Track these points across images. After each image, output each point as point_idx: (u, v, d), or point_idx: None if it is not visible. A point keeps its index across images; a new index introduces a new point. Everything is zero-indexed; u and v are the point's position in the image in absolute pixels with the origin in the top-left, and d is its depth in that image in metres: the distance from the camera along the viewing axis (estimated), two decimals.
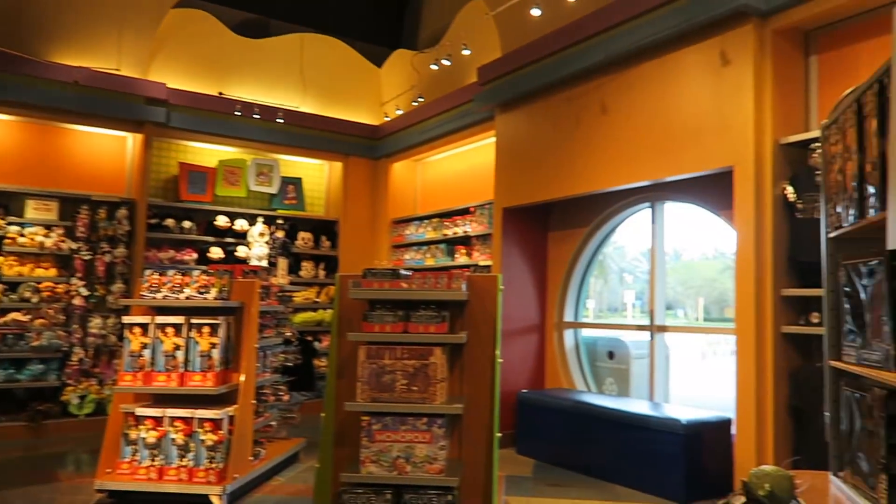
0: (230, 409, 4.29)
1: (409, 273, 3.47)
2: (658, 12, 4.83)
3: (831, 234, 1.89)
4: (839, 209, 1.84)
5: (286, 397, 5.61)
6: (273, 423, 5.46)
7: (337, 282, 3.74)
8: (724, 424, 4.62)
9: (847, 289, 1.79)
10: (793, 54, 4.48)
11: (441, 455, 3.17)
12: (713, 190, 5.01)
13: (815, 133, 4.20)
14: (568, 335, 6.46)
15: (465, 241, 7.36)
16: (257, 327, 4.79)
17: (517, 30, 6.28)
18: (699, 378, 14.25)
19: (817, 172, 4.10)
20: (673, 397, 5.73)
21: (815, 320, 4.11)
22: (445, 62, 6.25)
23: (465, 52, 6.06)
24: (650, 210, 5.80)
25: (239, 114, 7.32)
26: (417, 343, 3.27)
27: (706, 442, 4.49)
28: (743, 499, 1.70)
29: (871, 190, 1.60)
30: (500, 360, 3.51)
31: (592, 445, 5.07)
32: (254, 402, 4.72)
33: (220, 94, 7.45)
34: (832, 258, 1.90)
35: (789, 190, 4.24)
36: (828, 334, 1.88)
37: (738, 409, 4.26)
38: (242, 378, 4.46)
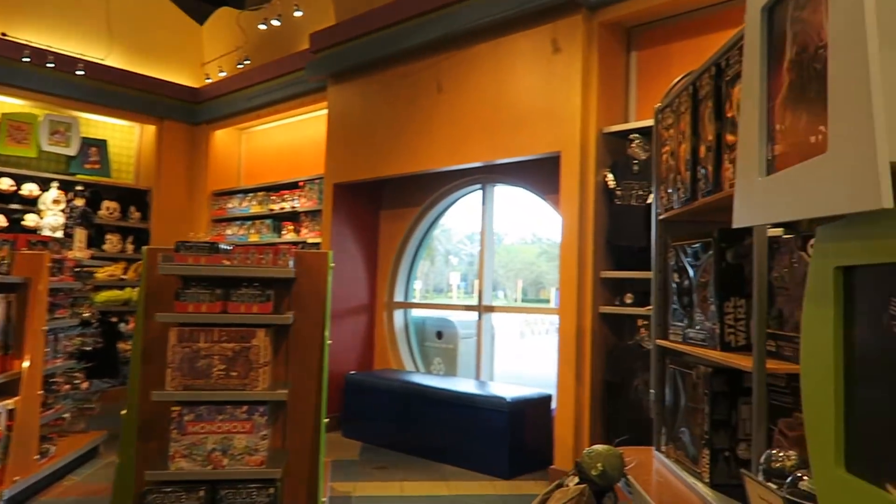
0: (9, 402, 3.67)
1: (229, 247, 3.15)
2: None
3: (662, 216, 1.93)
4: (670, 191, 1.88)
5: (84, 385, 4.97)
6: (66, 415, 4.81)
7: (144, 256, 3.31)
8: (546, 401, 4.81)
9: (676, 269, 1.83)
10: (616, 48, 4.70)
11: (262, 445, 2.92)
12: (541, 174, 5.17)
13: (634, 124, 4.47)
14: (398, 315, 6.40)
15: (294, 216, 7.01)
16: (46, 307, 4.17)
17: None
18: (519, 356, 15.04)
19: (634, 162, 4.37)
20: (497, 375, 5.89)
21: (629, 301, 4.38)
22: (275, 23, 5.85)
23: (298, 14, 5.70)
24: (481, 192, 5.88)
25: (28, 60, 6.32)
26: (238, 324, 2.98)
27: (529, 418, 4.65)
28: (576, 479, 1.68)
29: (703, 172, 1.63)
30: (329, 342, 3.32)
31: (420, 426, 5.06)
32: (41, 392, 4.10)
33: (3, 35, 6.36)
34: (661, 240, 1.95)
35: (609, 177, 4.47)
36: (655, 314, 1.94)
37: (559, 385, 4.44)
38: (25, 365, 3.85)
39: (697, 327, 1.67)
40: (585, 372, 4.37)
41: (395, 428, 5.22)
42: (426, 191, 6.14)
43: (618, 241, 4.42)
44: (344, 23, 6.05)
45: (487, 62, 5.06)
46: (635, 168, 4.34)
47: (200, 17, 8.18)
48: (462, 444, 4.75)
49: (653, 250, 2.00)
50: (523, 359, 14.55)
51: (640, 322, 4.25)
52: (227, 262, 2.98)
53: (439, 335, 6.41)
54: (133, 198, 7.80)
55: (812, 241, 1.36)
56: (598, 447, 1.64)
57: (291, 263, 3.09)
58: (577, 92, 4.49)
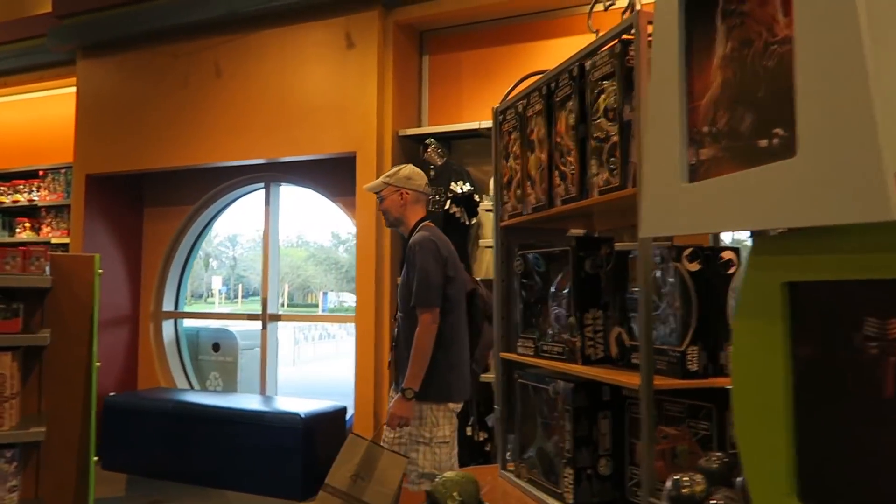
0: None
1: None
2: None
3: (505, 223, 1.87)
4: (516, 197, 1.82)
5: None
6: None
7: None
8: (341, 413, 4.59)
9: (524, 278, 1.77)
10: (410, 50, 4.66)
11: (11, 500, 2.31)
12: (331, 175, 4.95)
13: (429, 129, 4.46)
14: (167, 326, 5.69)
15: (32, 212, 5.90)
16: None
17: None
18: (295, 364, 14.51)
19: (431, 167, 4.35)
20: (280, 387, 5.52)
21: None
22: None
23: None
24: (264, 191, 5.47)
25: None
26: None
27: (324, 433, 4.39)
28: None
29: (562, 177, 1.59)
30: (98, 364, 2.76)
31: (197, 450, 4.52)
32: None
33: None
34: (504, 246, 1.89)
35: None
36: (498, 325, 1.86)
37: (357, 397, 4.25)
38: None
39: (551, 340, 1.61)
40: (385, 383, 4.24)
41: (168, 455, 4.61)
42: (200, 187, 5.55)
43: None
44: None
45: (274, 49, 4.71)
46: (432, 174, 4.31)
47: None
48: (249, 467, 4.34)
49: (495, 258, 1.92)
50: (300, 366, 14.07)
51: None
52: None
53: (216, 347, 5.84)
54: None
55: (686, 253, 1.36)
56: (450, 474, 1.51)
57: (47, 270, 2.50)
58: (373, 90, 4.35)
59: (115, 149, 5.23)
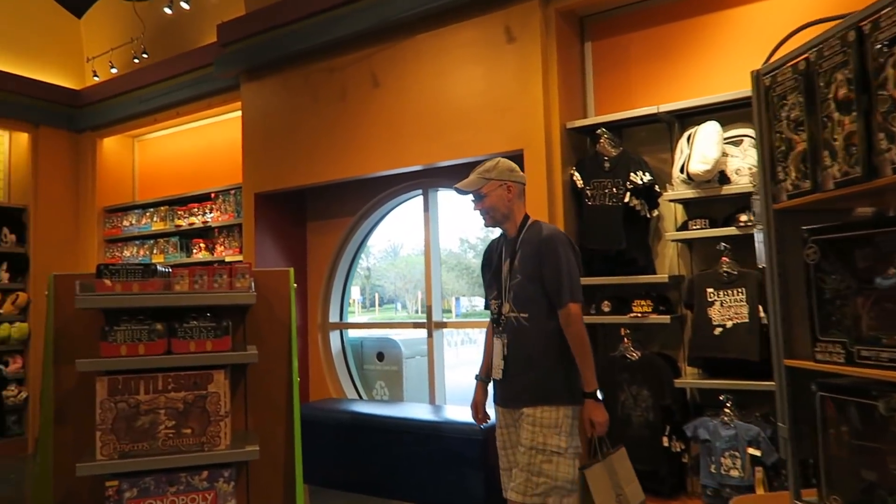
0: None
1: (168, 269, 2.50)
2: None
3: (779, 206, 1.56)
4: (799, 173, 1.50)
5: None
6: None
7: (50, 286, 2.58)
8: None
9: (821, 270, 1.46)
10: (572, 39, 4.40)
11: None
12: None
13: (596, 119, 4.16)
14: (334, 337, 5.78)
15: (206, 233, 6.22)
16: None
17: None
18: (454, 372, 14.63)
19: (605, 159, 4.05)
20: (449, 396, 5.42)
21: (607, 308, 4.05)
22: (184, 5, 5.10)
23: None
24: (422, 198, 5.40)
25: None
26: (189, 367, 2.34)
27: None
28: None
29: (887, 140, 1.26)
30: (298, 379, 2.73)
31: (376, 461, 4.49)
32: None
33: None
34: (779, 233, 1.58)
35: (577, 176, 4.13)
36: (778, 325, 1.56)
37: None
38: None
39: (878, 344, 1.29)
40: None
41: (346, 465, 4.61)
42: (359, 199, 5.59)
43: (590, 244, 4.08)
44: (258, 11, 5.40)
45: (429, 53, 4.61)
46: (607, 165, 4.02)
47: (77, 10, 7.18)
48: (427, 477, 4.23)
49: (766, 246, 1.62)
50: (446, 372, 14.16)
51: (623, 331, 3.93)
52: (177, 288, 2.33)
53: (380, 357, 5.85)
54: (5, 217, 6.67)
55: None
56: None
57: (252, 286, 2.48)
58: (538, 84, 4.13)
59: (279, 166, 5.38)
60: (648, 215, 3.98)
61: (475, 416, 2.97)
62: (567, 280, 2.54)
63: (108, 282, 2.36)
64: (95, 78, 6.58)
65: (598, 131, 4.08)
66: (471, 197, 2.76)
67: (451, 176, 4.99)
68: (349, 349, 5.89)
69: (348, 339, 5.90)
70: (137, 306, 2.34)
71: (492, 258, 2.89)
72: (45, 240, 6.72)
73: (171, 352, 2.36)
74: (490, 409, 2.96)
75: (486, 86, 4.35)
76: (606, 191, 4.02)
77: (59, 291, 2.53)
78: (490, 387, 2.86)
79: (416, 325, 5.39)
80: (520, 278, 2.62)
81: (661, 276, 3.91)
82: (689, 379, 3.80)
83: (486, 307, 2.88)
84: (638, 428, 3.83)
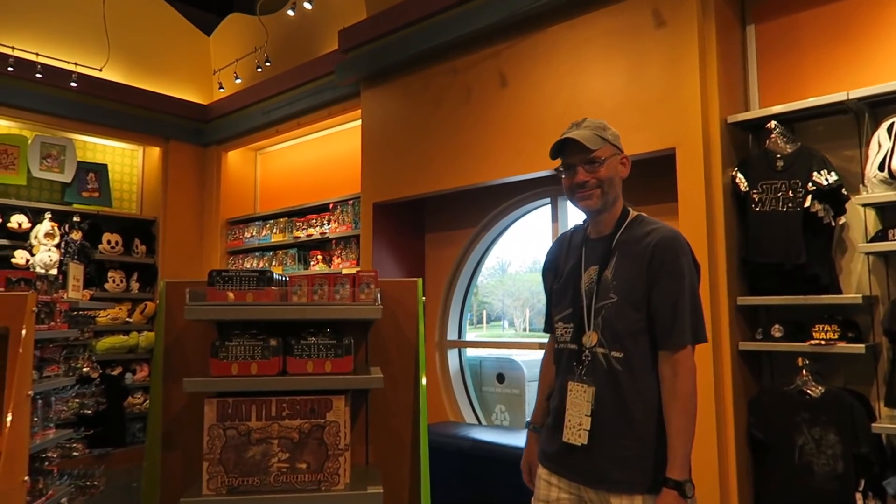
0: None
1: (285, 277, 2.21)
2: None
3: None
4: None
5: (86, 458, 3.98)
6: (64, 500, 3.80)
7: (162, 294, 2.37)
8: None
9: None
10: (732, 22, 3.82)
11: None
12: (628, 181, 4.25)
13: (761, 112, 3.55)
14: (451, 356, 5.42)
15: (323, 244, 6.08)
16: (32, 363, 3.20)
17: None
18: None
19: (778, 157, 3.44)
20: None
21: (778, 334, 3.42)
22: (307, 5, 4.96)
23: None
24: (550, 207, 4.95)
25: (12, 70, 5.45)
26: (306, 391, 2.02)
27: None
28: None
29: None
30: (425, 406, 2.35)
31: (498, 492, 4.04)
32: (26, 478, 3.12)
33: None
34: None
35: (740, 178, 3.54)
36: None
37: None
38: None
39: None
40: (728, 426, 3.39)
41: (467, 495, 4.20)
42: (481, 209, 5.21)
43: (759, 257, 3.47)
44: (379, 14, 5.19)
45: (564, 47, 4.17)
46: (780, 164, 3.41)
47: (208, 29, 7.36)
48: None
49: None
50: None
51: (800, 361, 3.28)
52: (296, 299, 2.02)
53: (500, 378, 5.42)
54: (137, 229, 6.87)
55: None
56: None
57: (378, 297, 2.14)
58: (694, 73, 3.59)
59: (399, 175, 5.11)
60: (833, 223, 3.32)
61: (528, 477, 2.14)
62: (690, 311, 1.79)
63: (221, 290, 2.09)
64: (221, 90, 6.66)
65: (768, 125, 3.48)
66: (577, 160, 1.91)
67: None
68: (468, 369, 5.50)
69: (466, 358, 5.52)
70: (251, 318, 2.05)
71: (560, 260, 2.06)
72: (172, 251, 6.85)
73: (286, 372, 2.06)
74: None
75: (629, 78, 3.86)
76: (780, 194, 3.40)
77: (171, 300, 2.31)
78: (544, 439, 2.03)
79: (541, 346, 4.91)
80: (616, 299, 1.83)
81: (853, 297, 3.24)
82: (888, 423, 3.09)
83: (548, 330, 2.11)
84: (822, 479, 3.17)
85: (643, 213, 1.99)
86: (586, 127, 1.95)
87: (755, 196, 3.49)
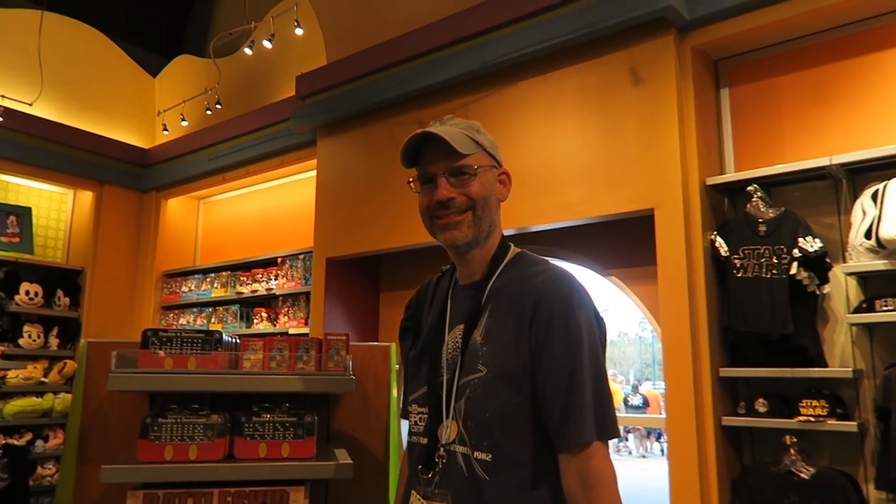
0: None
1: (235, 339, 1.85)
2: (550, 14, 3.86)
3: None
4: None
5: None
6: None
7: (81, 355, 1.97)
8: None
9: None
10: (707, 82, 3.76)
11: None
12: (598, 244, 4.08)
13: (747, 173, 3.44)
14: (405, 428, 5.00)
15: (268, 301, 5.66)
16: None
17: (353, 30, 4.97)
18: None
19: (760, 222, 3.31)
20: None
21: (762, 409, 3.21)
22: (266, 44, 4.71)
23: (298, 31, 4.58)
24: None
25: None
26: (258, 482, 1.64)
27: None
28: None
29: None
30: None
31: None
32: None
33: None
34: None
35: (720, 242, 3.39)
36: None
37: None
38: None
39: None
40: None
41: None
42: (440, 267, 4.92)
43: (742, 325, 3.28)
44: (340, 61, 4.97)
45: (536, 102, 4.02)
46: (762, 229, 3.28)
47: (154, 71, 7.01)
48: None
49: None
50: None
51: (788, 439, 3.07)
52: (248, 366, 1.66)
53: None
54: (61, 279, 6.28)
55: None
56: None
57: (350, 366, 1.80)
58: (674, 133, 3.46)
59: (355, 229, 4.81)
60: (818, 291, 3.18)
61: None
62: (593, 391, 1.24)
63: (157, 353, 1.72)
64: (165, 132, 6.27)
65: (748, 189, 3.36)
66: (440, 168, 1.39)
67: (549, 242, 4.31)
68: None
69: None
70: (192, 390, 1.68)
71: (422, 317, 1.54)
72: (99, 304, 6.27)
73: (233, 457, 1.68)
74: None
75: (605, 135, 3.71)
76: (763, 260, 3.25)
77: (93, 364, 1.91)
78: None
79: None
80: (484, 372, 1.29)
81: (843, 371, 3.07)
82: None
83: (404, 416, 1.55)
84: None
85: (528, 251, 1.48)
86: (455, 125, 1.43)
87: (736, 261, 3.34)
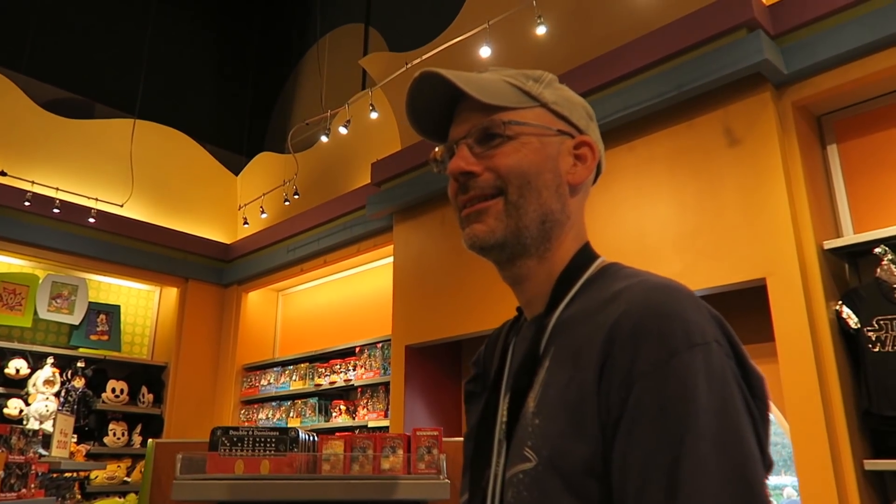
0: None
1: (311, 436, 1.63)
2: (635, 79, 3.69)
3: None
4: None
5: None
6: None
7: (148, 457, 1.79)
8: None
9: None
10: (812, 139, 3.45)
11: None
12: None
13: (872, 233, 3.06)
14: None
15: (347, 392, 5.47)
16: None
17: None
18: None
19: (895, 288, 2.91)
20: None
21: None
22: (342, 129, 4.73)
23: (373, 115, 4.57)
24: None
25: (28, 204, 5.19)
26: None
27: None
28: None
29: None
30: None
31: None
32: None
33: (2, 172, 5.26)
34: None
35: (848, 313, 2.98)
36: None
37: None
38: None
39: None
40: None
41: None
42: None
43: (885, 409, 2.82)
44: (414, 145, 4.94)
45: (623, 169, 3.80)
46: None
47: (237, 169, 7.26)
48: None
49: None
50: None
51: None
52: (327, 468, 1.44)
53: None
54: (146, 376, 6.32)
55: None
56: None
57: (444, 467, 1.54)
58: (782, 194, 3.15)
59: (434, 315, 4.61)
60: None
61: None
62: (732, 479, 0.65)
63: (227, 456, 1.52)
64: (245, 226, 6.37)
65: (877, 250, 2.98)
66: (464, 129, 0.93)
67: None
68: None
69: None
70: (266, 499, 1.46)
71: (489, 371, 1.05)
72: (182, 400, 6.24)
73: None
74: None
75: (702, 201, 3.43)
76: None
77: (161, 467, 1.72)
78: None
79: None
80: (533, 463, 0.77)
81: None
82: None
83: None
84: None
85: (623, 264, 0.96)
86: (497, 70, 0.98)
87: (870, 334, 2.91)
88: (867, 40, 3.01)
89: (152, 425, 6.18)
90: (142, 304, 6.68)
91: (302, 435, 1.58)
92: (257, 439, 1.52)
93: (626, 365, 0.72)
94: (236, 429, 1.53)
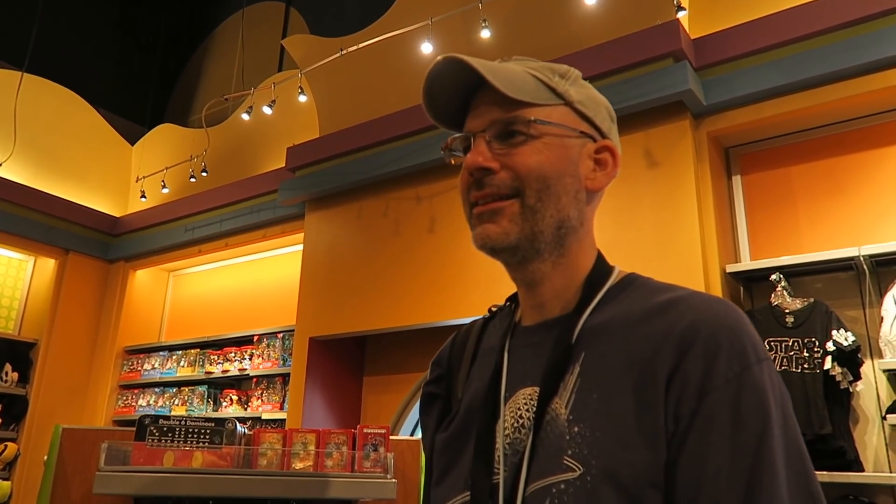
0: None
1: (243, 429, 1.54)
2: None
3: None
4: None
5: None
6: None
7: (53, 444, 1.61)
8: None
9: None
10: (720, 169, 3.69)
11: None
12: None
13: (768, 261, 3.30)
14: None
15: (238, 382, 5.24)
16: None
17: (349, 103, 4.85)
18: None
19: (787, 313, 3.15)
20: None
21: None
22: (267, 109, 4.53)
23: (302, 98, 4.41)
24: None
25: None
26: None
27: None
28: None
29: None
30: None
31: None
32: None
33: None
34: None
35: None
36: None
37: None
38: None
39: None
40: None
41: None
42: (426, 352, 4.63)
43: None
44: (335, 134, 4.81)
45: None
46: (789, 321, 3.11)
47: (133, 139, 6.78)
48: None
49: None
50: None
51: None
52: (264, 463, 1.35)
53: None
54: (11, 352, 5.75)
55: None
56: None
57: (391, 466, 1.49)
58: (693, 219, 3.34)
59: (342, 308, 4.51)
60: (850, 388, 2.99)
61: None
62: (792, 488, 0.68)
63: (152, 447, 1.39)
64: (143, 199, 5.95)
65: (772, 277, 3.22)
66: (483, 122, 0.89)
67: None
68: None
69: None
70: (195, 495, 1.35)
71: (455, 376, 1.00)
72: (52, 380, 5.73)
73: None
74: None
75: (619, 218, 3.57)
76: (792, 353, 3.07)
77: (67, 455, 1.56)
78: None
79: None
80: (579, 472, 0.73)
81: (887, 476, 2.84)
82: None
83: None
84: None
85: (639, 275, 0.94)
86: (521, 61, 0.94)
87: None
88: (781, 82, 3.26)
89: (15, 406, 5.64)
90: (11, 274, 6.08)
91: (239, 427, 1.48)
92: (190, 430, 1.40)
93: (699, 376, 0.72)
94: (167, 417, 1.41)
